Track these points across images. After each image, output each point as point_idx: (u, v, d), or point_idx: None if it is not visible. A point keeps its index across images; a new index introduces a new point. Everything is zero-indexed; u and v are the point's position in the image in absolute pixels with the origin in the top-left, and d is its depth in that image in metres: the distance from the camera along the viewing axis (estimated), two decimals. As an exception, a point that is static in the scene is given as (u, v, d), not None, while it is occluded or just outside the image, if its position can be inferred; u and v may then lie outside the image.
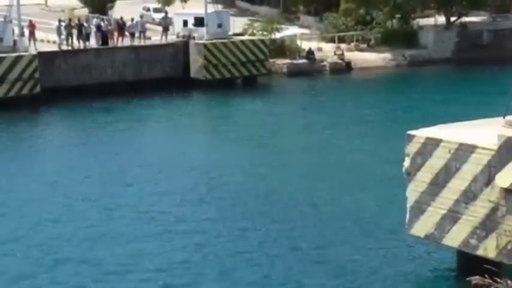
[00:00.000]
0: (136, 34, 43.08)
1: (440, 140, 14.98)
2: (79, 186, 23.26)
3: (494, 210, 14.18)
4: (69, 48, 41.01)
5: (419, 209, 15.41)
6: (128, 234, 18.83)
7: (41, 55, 38.45)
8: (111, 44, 42.28)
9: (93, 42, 41.82)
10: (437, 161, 14.99)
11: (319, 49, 49.23)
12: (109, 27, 43.46)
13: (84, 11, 55.72)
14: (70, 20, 43.41)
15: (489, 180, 14.17)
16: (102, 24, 43.37)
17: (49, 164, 26.49)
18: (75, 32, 41.31)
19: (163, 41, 43.97)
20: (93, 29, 42.32)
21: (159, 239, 18.46)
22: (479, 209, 14.38)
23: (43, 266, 17.01)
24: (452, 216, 14.83)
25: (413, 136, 15.49)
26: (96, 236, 18.74)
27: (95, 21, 44.35)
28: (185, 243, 18.12)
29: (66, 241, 18.47)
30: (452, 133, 15.12)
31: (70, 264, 17.05)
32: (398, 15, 53.10)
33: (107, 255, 17.52)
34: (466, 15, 53.69)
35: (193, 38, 43.26)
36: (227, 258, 17.13)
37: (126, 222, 19.84)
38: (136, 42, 42.86)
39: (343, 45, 50.23)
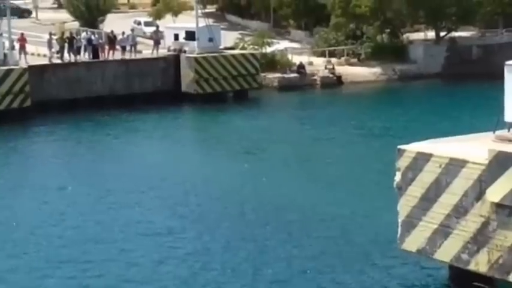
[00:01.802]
0: (127, 48, 43.12)
1: (431, 155, 15.01)
2: (68, 200, 23.18)
3: (485, 224, 14.20)
4: (60, 61, 40.99)
5: (410, 223, 15.42)
6: (117, 245, 18.78)
7: (32, 68, 38.40)
8: (101, 57, 42.29)
9: (83, 56, 41.81)
10: (428, 176, 15.02)
11: (310, 63, 49.41)
12: (100, 41, 43.47)
13: (75, 25, 55.73)
14: (63, 33, 43.42)
15: (480, 195, 14.20)
16: (92, 37, 43.39)
17: (38, 178, 26.36)
18: (66, 45, 41.32)
19: (154, 55, 44.02)
20: (84, 43, 42.32)
21: (150, 251, 18.40)
22: (470, 224, 14.41)
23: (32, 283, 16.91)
24: (443, 231, 14.84)
25: (404, 151, 15.52)
26: (84, 249, 18.66)
27: (85, 34, 44.36)
28: (178, 257, 18.07)
29: (53, 256, 18.35)
30: (442, 148, 15.16)
31: (59, 280, 16.95)
32: (388, 30, 53.41)
33: (96, 267, 17.47)
34: (456, 30, 54.03)
35: (184, 51, 43.32)
36: (216, 272, 17.07)
37: (114, 233, 19.80)
38: (127, 56, 42.88)
39: (333, 60, 50.44)
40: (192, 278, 16.81)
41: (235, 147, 30.90)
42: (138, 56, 43.65)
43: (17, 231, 20.28)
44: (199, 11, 44.98)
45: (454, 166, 14.56)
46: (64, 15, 60.73)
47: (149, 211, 21.99)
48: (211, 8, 66.85)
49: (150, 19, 59.40)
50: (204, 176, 26.08)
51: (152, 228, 20.33)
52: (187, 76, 42.15)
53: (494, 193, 13.91)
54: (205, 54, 42.41)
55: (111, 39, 42.95)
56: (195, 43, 43.23)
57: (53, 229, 20.40)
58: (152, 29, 49.04)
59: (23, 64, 38.83)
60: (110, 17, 58.33)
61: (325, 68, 48.88)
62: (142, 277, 16.92)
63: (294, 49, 52.31)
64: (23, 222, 21.02)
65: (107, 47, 42.75)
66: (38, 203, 22.86)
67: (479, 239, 14.29)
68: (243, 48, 48.02)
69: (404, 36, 54.31)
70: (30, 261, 18.02)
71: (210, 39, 43.45)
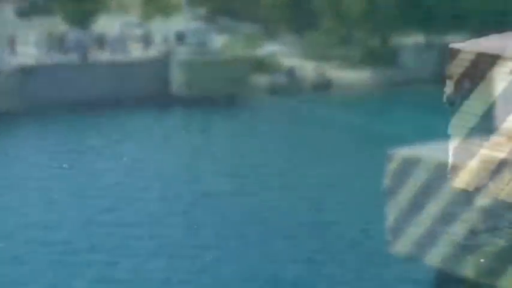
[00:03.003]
0: (117, 49, 42.99)
1: (420, 159, 15.01)
2: (56, 199, 23.09)
3: (473, 230, 14.19)
4: (50, 62, 40.82)
5: (399, 227, 15.40)
6: (104, 245, 18.72)
7: (21, 69, 38.21)
8: (91, 58, 42.14)
9: (73, 57, 41.67)
10: (417, 180, 15.00)
11: (300, 67, 49.41)
12: (90, 42, 43.33)
13: (65, 26, 55.46)
14: (52, 34, 43.28)
15: (469, 200, 14.19)
16: (82, 38, 43.24)
17: (27, 178, 26.26)
18: (56, 46, 41.21)
19: (144, 57, 43.90)
20: (74, 44, 42.17)
21: (139, 251, 18.33)
22: (458, 229, 14.39)
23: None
24: (432, 236, 14.83)
25: (393, 155, 15.52)
26: (72, 250, 18.58)
27: (75, 35, 44.20)
28: (167, 257, 18.00)
29: (35, 258, 18.25)
30: (432, 152, 15.16)
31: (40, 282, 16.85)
32: (379, 35, 53.47)
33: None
34: (446, 34, 54.12)
35: (175, 54, 43.24)
36: (208, 274, 17.03)
37: (100, 232, 19.74)
38: (117, 58, 42.73)
39: (324, 64, 50.45)
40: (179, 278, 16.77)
41: (225, 150, 30.84)
42: (128, 58, 43.53)
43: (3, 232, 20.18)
44: (190, 13, 44.94)
45: (443, 171, 14.55)
46: (55, 16, 60.44)
47: (140, 212, 21.93)
48: (202, 10, 66.74)
49: (140, 20, 59.22)
50: (194, 178, 26.03)
51: (143, 229, 20.26)
52: (177, 79, 42.07)
53: (483, 199, 13.89)
54: (195, 57, 42.34)
55: (101, 40, 42.83)
56: (185, 45, 43.16)
57: (37, 227, 20.29)
58: (142, 30, 48.92)
59: (13, 65, 38.65)
60: (100, 18, 58.10)
61: (316, 71, 48.91)
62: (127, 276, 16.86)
63: (284, 52, 52.30)
64: (8, 222, 20.90)
65: (96, 48, 42.63)
66: (25, 205, 22.73)
67: (467, 244, 14.28)
68: (234, 51, 47.96)
69: (395, 40, 54.38)
70: (17, 262, 17.92)
71: (200, 42, 43.41)
